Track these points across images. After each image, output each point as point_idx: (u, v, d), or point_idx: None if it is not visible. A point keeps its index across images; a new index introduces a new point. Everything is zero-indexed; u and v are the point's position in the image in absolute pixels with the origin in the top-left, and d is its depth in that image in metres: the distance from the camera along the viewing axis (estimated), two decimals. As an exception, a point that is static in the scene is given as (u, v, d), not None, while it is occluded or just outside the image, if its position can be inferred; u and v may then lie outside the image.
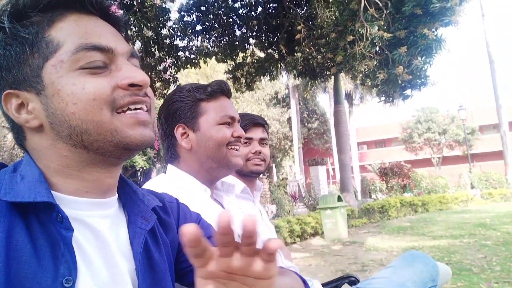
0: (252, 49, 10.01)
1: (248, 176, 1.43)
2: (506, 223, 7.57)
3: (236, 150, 1.07)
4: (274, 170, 22.97)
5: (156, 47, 8.27)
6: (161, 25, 8.15)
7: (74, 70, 0.53)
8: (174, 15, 9.15)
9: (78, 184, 0.57)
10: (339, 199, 7.52)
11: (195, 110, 1.04)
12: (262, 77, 10.39)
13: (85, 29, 0.55)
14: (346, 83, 22.79)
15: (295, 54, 9.01)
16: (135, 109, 0.57)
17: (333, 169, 24.94)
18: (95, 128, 0.54)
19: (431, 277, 1.22)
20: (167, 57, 8.74)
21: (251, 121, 1.43)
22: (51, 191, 0.53)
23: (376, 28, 5.70)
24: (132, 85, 0.56)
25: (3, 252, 0.46)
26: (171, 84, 8.78)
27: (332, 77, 10.92)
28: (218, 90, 1.06)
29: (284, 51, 9.34)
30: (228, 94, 1.10)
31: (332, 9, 7.86)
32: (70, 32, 0.54)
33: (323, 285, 1.50)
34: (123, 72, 0.56)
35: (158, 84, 8.68)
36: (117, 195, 0.64)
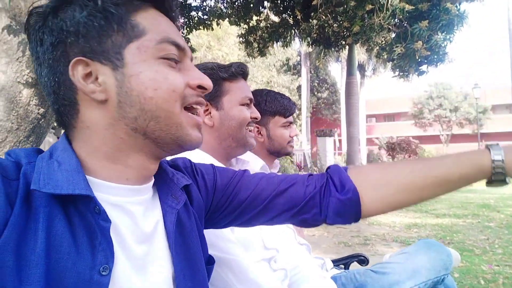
0: (267, 12, 9.71)
1: (277, 156, 1.49)
2: (510, 206, 7.58)
3: (250, 131, 1.13)
4: (281, 138, 22.96)
5: (167, 5, 8.05)
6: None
7: (156, 58, 0.56)
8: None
9: (121, 169, 0.58)
10: (345, 172, 7.54)
11: (218, 89, 1.07)
12: (275, 42, 10.14)
13: (165, 26, 0.58)
14: (359, 54, 22.24)
15: (311, 20, 8.73)
16: (193, 111, 0.61)
17: (340, 141, 24.89)
18: (166, 117, 0.56)
19: (445, 265, 1.24)
20: (179, 17, 8.51)
21: (295, 107, 1.49)
22: (89, 178, 0.54)
23: (398, -1, 5.45)
24: (199, 86, 0.60)
25: (43, 243, 0.48)
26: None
27: (347, 47, 10.64)
28: (241, 72, 1.10)
29: (299, 17, 9.04)
30: (246, 77, 1.15)
31: (353, -25, 7.51)
32: (154, 23, 0.57)
33: (333, 261, 1.54)
34: (193, 72, 0.60)
35: (169, 45, 8.53)
36: (153, 179, 0.65)
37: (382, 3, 5.83)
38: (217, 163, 1.04)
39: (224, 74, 1.07)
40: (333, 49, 9.98)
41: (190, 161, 0.78)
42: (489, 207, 7.48)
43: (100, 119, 0.56)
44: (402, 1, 5.47)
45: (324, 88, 28.29)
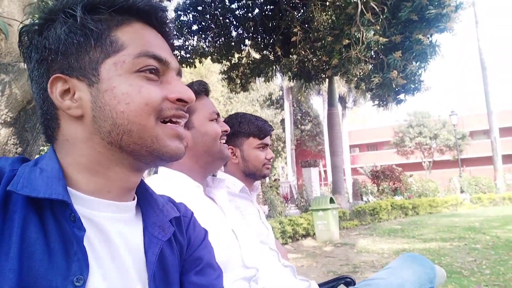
0: (248, 50, 10.03)
1: (254, 178, 1.47)
2: (495, 227, 7.70)
3: (224, 143, 1.14)
4: (267, 171, 23.00)
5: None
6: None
7: (132, 72, 0.55)
8: (170, 14, 9.13)
9: (102, 182, 0.57)
10: (331, 201, 7.58)
11: (188, 108, 1.09)
12: (257, 78, 10.42)
13: (148, 39, 0.58)
14: (339, 86, 22.92)
15: (291, 56, 9.06)
16: (175, 122, 0.59)
17: (325, 171, 25.06)
18: (139, 131, 0.55)
19: (429, 279, 1.24)
20: (172, 31, 8.68)
21: (270, 129, 1.49)
22: (69, 188, 0.54)
23: (372, 32, 5.77)
24: (179, 100, 0.59)
25: (16, 248, 0.47)
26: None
27: (327, 80, 11.00)
28: (203, 89, 1.12)
29: (279, 53, 9.37)
30: (208, 94, 1.17)
31: (329, 12, 7.90)
32: (134, 38, 0.57)
33: (319, 285, 1.50)
34: (173, 86, 0.59)
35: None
36: (136, 200, 0.64)
37: (357, 37, 6.13)
38: (193, 182, 1.05)
39: None
40: (313, 82, 10.29)
41: (192, 213, 0.75)
42: (474, 229, 7.57)
43: (78, 133, 0.56)
44: (376, 34, 5.77)
45: (307, 120, 28.80)
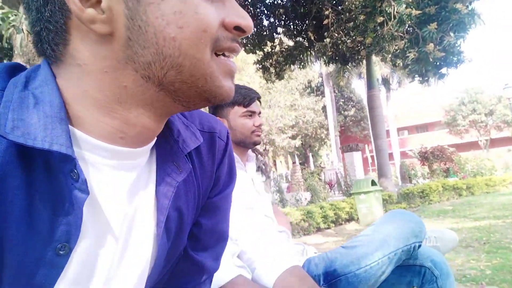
0: (280, 38, 10.02)
1: (245, 147, 1.47)
2: (556, 204, 7.12)
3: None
4: (311, 159, 22.85)
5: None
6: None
7: None
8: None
9: (116, 125, 0.44)
10: (373, 183, 7.42)
11: None
12: (291, 65, 10.38)
13: None
14: (381, 68, 22.12)
15: (324, 40, 8.93)
16: (227, 56, 0.46)
17: (372, 157, 24.37)
18: (191, 67, 0.42)
19: (413, 232, 1.18)
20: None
21: (255, 96, 1.47)
22: (71, 128, 0.42)
23: (404, 6, 5.55)
24: (237, 28, 0.45)
25: None
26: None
27: (364, 61, 10.71)
28: None
29: (313, 38, 9.29)
30: None
31: (360, -10, 7.71)
32: None
33: None
34: (232, 7, 0.45)
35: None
36: (155, 140, 0.51)
37: (389, 12, 5.93)
38: None
39: None
40: (350, 64, 10.09)
41: (229, 139, 0.62)
42: (533, 207, 7.06)
43: (99, 59, 0.41)
44: (408, 7, 5.55)
45: (350, 106, 28.10)
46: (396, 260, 1.18)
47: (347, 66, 10.36)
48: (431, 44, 5.50)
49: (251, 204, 1.30)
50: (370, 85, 11.40)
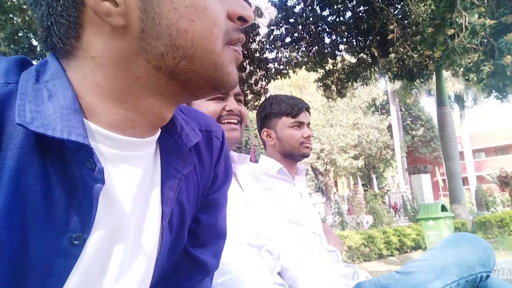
0: (342, 55, 9.83)
1: (293, 159, 1.44)
2: None
3: (234, 123, 1.07)
4: (375, 181, 21.83)
5: (247, 61, 8.70)
6: (251, 40, 8.56)
7: None
8: (263, 30, 9.54)
9: (127, 115, 0.45)
10: (443, 208, 6.79)
11: None
12: (354, 82, 10.09)
13: None
14: (454, 84, 20.69)
15: (389, 55, 8.57)
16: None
17: (444, 180, 22.67)
18: (203, 57, 0.44)
19: (480, 260, 1.03)
20: (258, 70, 9.11)
21: (303, 106, 1.44)
22: (86, 121, 0.43)
23: (476, 15, 5.10)
24: (240, 18, 0.47)
25: (7, 199, 0.38)
26: (262, 95, 9.10)
27: (434, 77, 10.06)
28: None
29: (376, 54, 8.96)
30: None
31: (428, 2, 7.29)
32: None
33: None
34: None
35: (250, 97, 9.09)
36: (159, 131, 0.52)
37: (460, 23, 5.50)
38: None
39: None
40: (417, 80, 9.53)
41: (224, 136, 0.64)
42: None
43: (112, 50, 0.42)
44: (481, 17, 5.10)
45: (418, 125, 26.55)
46: None
47: (415, 83, 9.79)
48: (508, 56, 4.96)
49: (297, 219, 1.25)
50: (440, 102, 10.64)
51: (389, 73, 9.03)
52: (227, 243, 0.81)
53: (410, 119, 26.60)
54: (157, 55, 0.43)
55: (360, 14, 9.21)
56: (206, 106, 1.06)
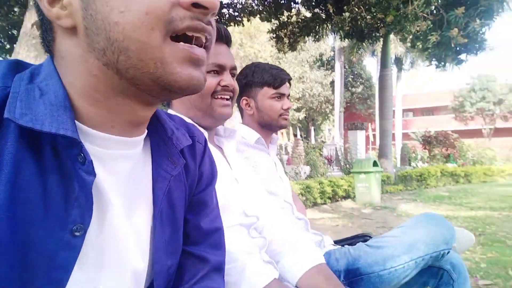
0: (298, 8, 9.71)
1: (270, 129, 1.42)
2: (553, 201, 7.21)
3: (226, 99, 1.01)
4: (313, 133, 22.84)
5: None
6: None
7: None
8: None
9: (103, 114, 0.47)
10: (375, 164, 7.46)
11: None
12: (306, 37, 10.13)
13: None
14: (396, 47, 21.62)
15: (343, 14, 8.66)
16: (192, 40, 0.46)
17: (374, 136, 24.39)
18: (138, 50, 0.42)
19: (445, 239, 1.15)
20: (211, 14, 8.72)
21: (286, 77, 1.40)
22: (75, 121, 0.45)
23: (432, -14, 5.34)
24: (196, 4, 0.44)
25: (6, 193, 0.39)
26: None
27: (381, 39, 10.45)
28: None
29: (331, 11, 8.99)
30: (224, 40, 1.01)
31: (386, -35, 7.38)
32: None
33: (337, 242, 1.45)
34: None
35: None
36: (145, 132, 0.55)
37: (416, -9, 5.72)
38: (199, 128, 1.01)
39: None
40: (367, 41, 9.85)
41: (206, 140, 0.68)
42: (530, 201, 7.15)
43: (72, 49, 0.45)
44: (435, -12, 5.35)
45: (358, 83, 27.74)
46: (422, 265, 1.16)
47: (363, 43, 10.10)
48: (456, 29, 5.33)
49: (274, 189, 1.27)
50: (384, 64, 11.19)
51: (341, 31, 9.17)
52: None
53: (352, 76, 27.62)
54: (100, 51, 0.43)
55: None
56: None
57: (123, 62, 0.43)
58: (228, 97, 1.03)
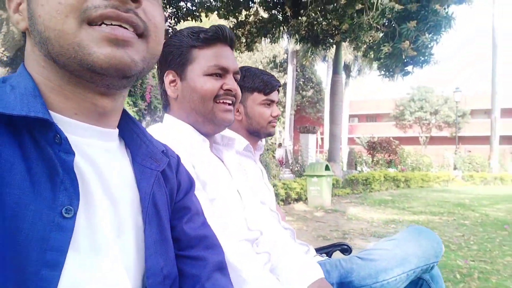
0: (256, 7, 9.68)
1: (258, 136, 1.40)
2: (484, 205, 7.85)
3: (228, 104, 0.98)
4: (264, 134, 23.01)
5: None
6: (163, -29, 7.77)
7: None
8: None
9: (65, 102, 0.50)
10: (327, 168, 7.64)
11: (185, 56, 0.95)
12: (263, 38, 10.13)
13: None
14: (346, 54, 22.47)
15: (300, 17, 8.77)
16: (114, 25, 0.47)
17: (322, 139, 25.16)
18: (57, 38, 0.45)
19: (435, 252, 1.18)
20: (167, 7, 8.41)
21: (277, 84, 1.37)
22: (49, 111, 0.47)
23: (388, -2, 5.54)
24: None
25: None
26: (168, 35, 8.52)
27: (334, 45, 10.74)
28: (214, 37, 0.94)
29: (289, 14, 9.07)
30: (228, 42, 0.97)
31: (344, -27, 7.58)
32: None
33: (316, 250, 1.46)
34: None
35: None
36: (117, 130, 0.58)
37: (372, 1, 5.91)
38: (199, 136, 0.96)
39: (193, 42, 0.94)
40: (321, 46, 10.06)
41: (178, 156, 0.70)
42: (464, 206, 7.72)
43: (29, 48, 0.51)
44: (392, 1, 5.56)
45: (309, 86, 28.47)
46: (412, 278, 1.17)
47: (317, 48, 10.33)
48: (407, 42, 5.59)
49: (262, 198, 1.23)
50: (336, 70, 11.53)
51: (297, 35, 9.30)
52: (230, 239, 0.81)
53: (303, 80, 28.29)
54: (38, 44, 0.48)
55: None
56: (203, 82, 0.94)
57: (51, 52, 0.47)
58: (230, 102, 0.98)
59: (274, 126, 1.39)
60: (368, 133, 20.79)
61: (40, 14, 0.45)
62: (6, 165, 0.41)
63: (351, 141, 27.33)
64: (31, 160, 0.43)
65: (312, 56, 18.35)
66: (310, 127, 11.63)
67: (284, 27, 9.64)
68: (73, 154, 0.45)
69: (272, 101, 1.37)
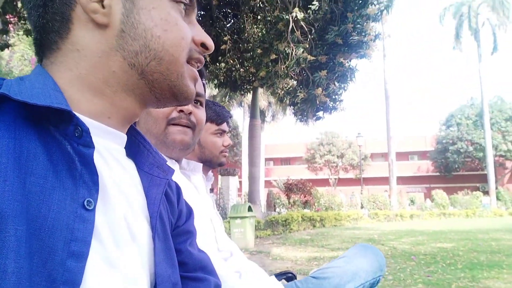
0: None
1: (210, 166, 1.41)
2: (391, 240, 8.55)
3: (181, 126, 0.99)
4: (182, 178, 22.49)
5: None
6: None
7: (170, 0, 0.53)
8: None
9: (104, 106, 0.51)
10: (249, 209, 7.69)
11: None
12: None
13: None
14: (260, 100, 23.65)
15: (218, 64, 9.10)
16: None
17: (240, 182, 25.43)
18: (169, 62, 0.51)
19: (380, 266, 1.30)
20: None
21: (228, 115, 1.42)
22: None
23: (302, 50, 6.08)
24: (203, 45, 0.56)
25: (11, 160, 0.39)
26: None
27: (251, 91, 11.27)
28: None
29: (208, 59, 9.35)
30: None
31: (260, 26, 8.16)
32: None
33: None
34: (198, 29, 0.56)
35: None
36: (126, 137, 0.58)
37: (287, 52, 6.42)
38: (169, 159, 0.97)
39: None
40: (239, 92, 10.47)
41: (177, 183, 0.72)
42: (374, 240, 8.31)
43: (95, 44, 0.49)
44: (305, 52, 6.10)
45: (226, 130, 29.03)
46: None
47: (235, 93, 10.73)
48: (320, 89, 6.13)
49: (217, 227, 1.20)
50: (253, 115, 12.01)
51: (216, 79, 9.57)
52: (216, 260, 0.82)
53: (220, 124, 28.79)
54: (132, 52, 0.49)
55: (197, 18, 9.41)
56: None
57: (152, 67, 0.50)
58: (184, 124, 1.00)
59: (225, 156, 1.42)
60: (283, 176, 21.64)
61: (160, 36, 0.50)
62: (30, 155, 0.41)
63: (268, 183, 28.11)
64: (52, 150, 0.43)
65: (230, 101, 18.94)
66: (231, 169, 11.73)
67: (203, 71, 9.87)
68: (93, 147, 0.45)
69: (224, 131, 1.41)
